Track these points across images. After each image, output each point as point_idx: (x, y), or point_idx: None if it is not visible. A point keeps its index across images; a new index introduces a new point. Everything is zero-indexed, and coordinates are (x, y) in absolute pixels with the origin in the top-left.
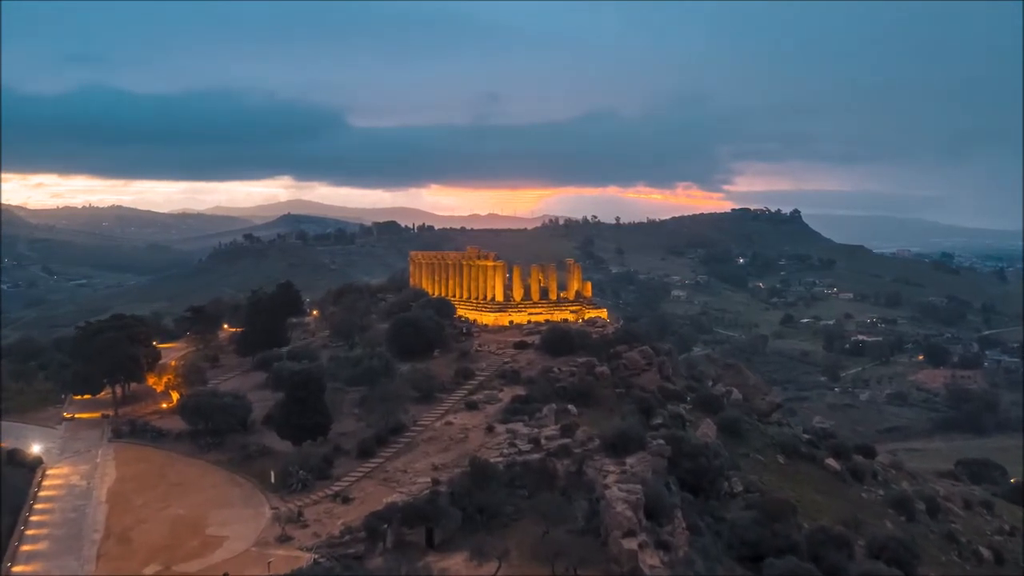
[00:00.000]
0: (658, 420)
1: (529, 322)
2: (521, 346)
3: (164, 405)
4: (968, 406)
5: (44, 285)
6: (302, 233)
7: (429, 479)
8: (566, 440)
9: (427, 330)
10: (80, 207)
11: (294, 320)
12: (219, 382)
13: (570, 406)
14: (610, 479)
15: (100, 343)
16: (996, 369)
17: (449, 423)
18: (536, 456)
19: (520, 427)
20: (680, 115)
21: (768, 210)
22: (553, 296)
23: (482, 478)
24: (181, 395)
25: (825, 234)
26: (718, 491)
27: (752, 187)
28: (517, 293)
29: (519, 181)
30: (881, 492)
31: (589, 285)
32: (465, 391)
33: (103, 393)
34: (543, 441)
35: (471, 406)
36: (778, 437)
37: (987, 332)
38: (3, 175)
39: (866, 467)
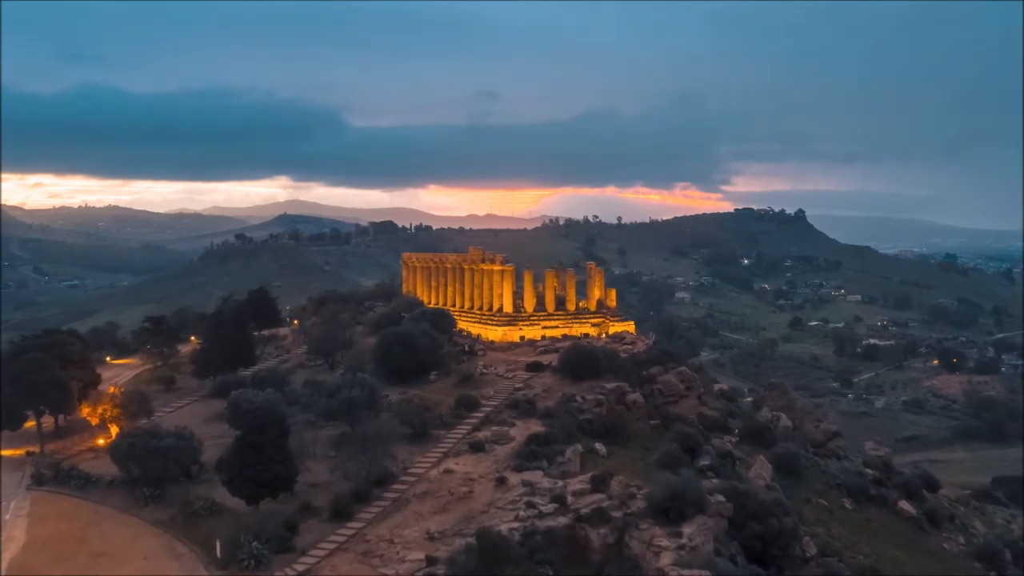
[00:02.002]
0: (705, 460)
1: (543, 337)
2: (535, 368)
3: (101, 441)
4: (990, 414)
5: (35, 286)
6: (295, 233)
7: (423, 556)
8: (599, 496)
9: (421, 348)
10: (76, 207)
11: (267, 333)
12: (172, 411)
13: (598, 444)
14: (664, 559)
15: (19, 366)
16: (1013, 374)
17: (448, 471)
18: (562, 521)
19: (539, 478)
20: (679, 115)
21: (772, 210)
22: (571, 306)
23: (493, 556)
24: (120, 430)
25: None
26: (791, 558)
27: (750, 187)
28: (529, 303)
29: (517, 181)
30: (962, 540)
31: (614, 293)
32: (468, 427)
33: (29, 424)
34: (570, 499)
35: (476, 447)
36: (841, 475)
37: (1000, 335)
38: (2, 175)
39: (942, 509)
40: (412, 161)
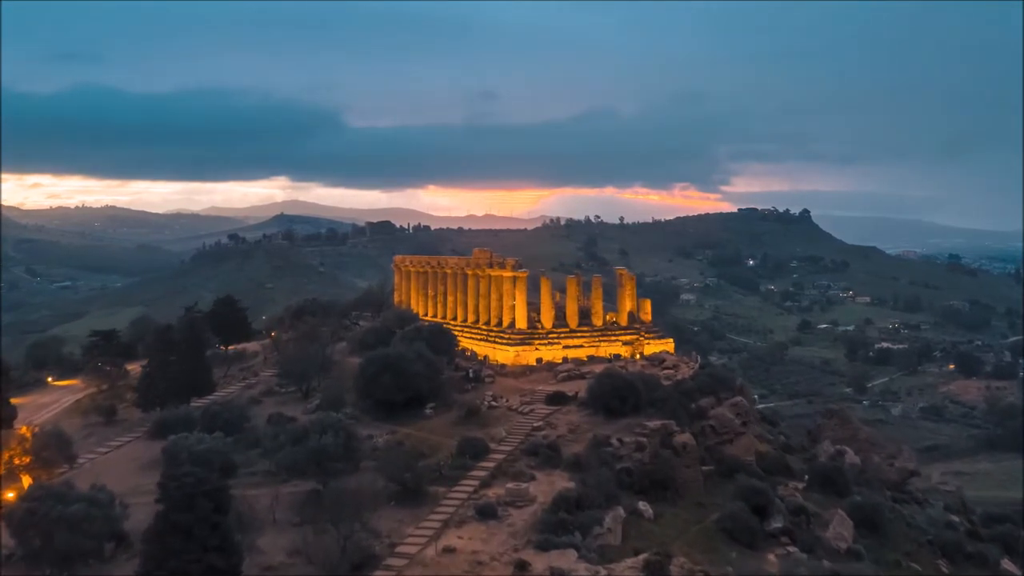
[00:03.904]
0: (777, 523)
1: (565, 360)
2: (558, 400)
3: (10, 495)
4: (1013, 422)
5: (26, 287)
6: (289, 233)
7: None
8: None
9: (415, 375)
10: (73, 207)
11: (231, 350)
12: (106, 451)
13: (642, 504)
14: None
15: None
16: None
17: (450, 549)
18: None
19: (572, 561)
20: (678, 115)
21: (776, 210)
22: (598, 320)
23: None
24: (33, 482)
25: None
26: None
27: (749, 188)
28: (546, 316)
29: (516, 181)
30: None
31: (648, 304)
32: (475, 481)
33: None
34: None
35: (486, 513)
36: (930, 528)
37: (1015, 339)
38: (1, 175)
39: None
40: (411, 161)
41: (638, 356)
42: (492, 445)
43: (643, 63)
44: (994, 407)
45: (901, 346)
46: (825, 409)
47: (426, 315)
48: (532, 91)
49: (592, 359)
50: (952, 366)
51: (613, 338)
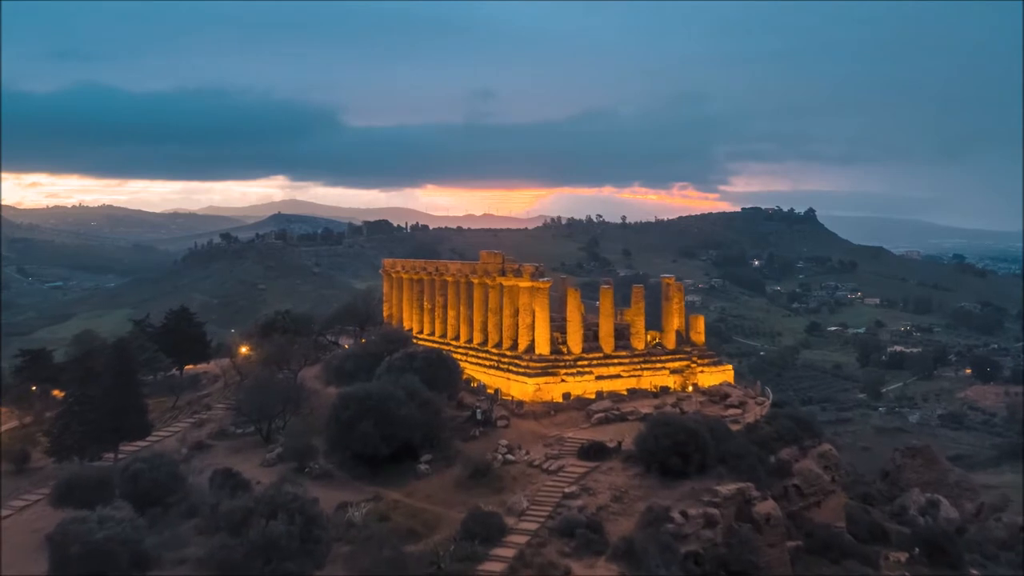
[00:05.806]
0: None
1: (600, 394)
2: (595, 454)
3: None
4: None
5: (17, 287)
6: (283, 232)
7: None
8: None
9: (404, 420)
10: (70, 207)
11: (183, 373)
12: (7, 515)
13: None
14: None
15: None
16: None
17: None
18: None
19: None
20: (677, 115)
21: (780, 209)
22: (639, 342)
23: None
24: None
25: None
26: None
27: (748, 188)
28: (574, 338)
29: (515, 181)
30: None
31: (701, 322)
32: None
33: None
34: None
35: None
36: None
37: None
38: (1, 174)
39: None
40: (409, 161)
41: (690, 389)
42: (510, 521)
43: (643, 63)
44: (1015, 414)
45: (915, 349)
46: (906, 447)
47: (421, 333)
48: (531, 91)
49: (633, 393)
50: (968, 370)
51: (659, 365)
